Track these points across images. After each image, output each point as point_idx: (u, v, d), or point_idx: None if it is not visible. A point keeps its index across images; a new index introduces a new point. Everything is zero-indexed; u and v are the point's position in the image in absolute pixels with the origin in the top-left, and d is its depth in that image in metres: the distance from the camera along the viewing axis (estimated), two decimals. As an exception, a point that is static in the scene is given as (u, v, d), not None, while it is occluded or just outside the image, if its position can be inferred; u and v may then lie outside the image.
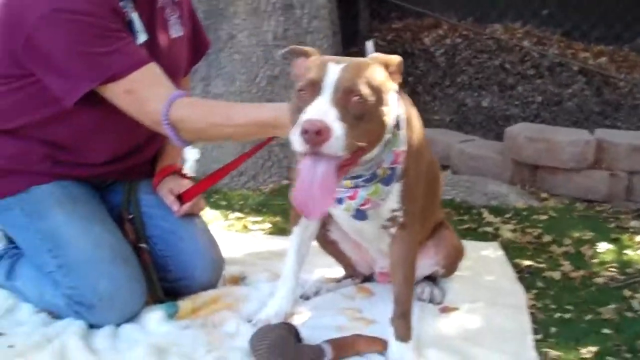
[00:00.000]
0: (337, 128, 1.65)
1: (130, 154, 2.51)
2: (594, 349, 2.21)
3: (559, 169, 4.19)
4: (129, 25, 2.27)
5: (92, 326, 2.25)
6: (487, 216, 3.61)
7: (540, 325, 2.38)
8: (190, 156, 4.19)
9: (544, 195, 4.15)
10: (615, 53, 5.52)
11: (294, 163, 4.24)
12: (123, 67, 2.15)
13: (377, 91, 1.77)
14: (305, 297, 2.51)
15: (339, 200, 2.01)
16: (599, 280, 2.79)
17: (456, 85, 5.82)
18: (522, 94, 5.56)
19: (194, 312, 2.36)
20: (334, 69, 1.74)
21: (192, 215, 2.56)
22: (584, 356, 2.17)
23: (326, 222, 2.42)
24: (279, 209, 3.76)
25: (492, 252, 3.09)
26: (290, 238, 2.33)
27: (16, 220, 2.38)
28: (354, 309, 2.41)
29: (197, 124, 2.17)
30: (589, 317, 2.45)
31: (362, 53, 6.03)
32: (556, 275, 2.83)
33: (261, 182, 4.19)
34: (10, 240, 2.57)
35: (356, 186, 1.97)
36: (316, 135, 1.62)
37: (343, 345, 2.06)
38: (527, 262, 2.98)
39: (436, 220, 2.47)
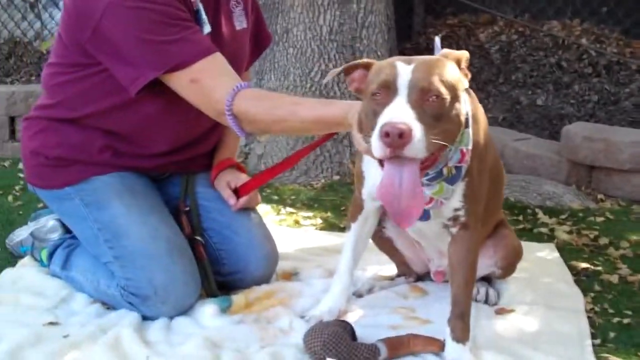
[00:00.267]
0: (418, 129, 1.62)
1: (190, 145, 2.52)
2: (655, 356, 2.15)
3: (615, 170, 4.09)
4: (195, 15, 2.27)
5: (145, 318, 2.27)
6: (542, 217, 3.54)
7: (598, 330, 2.32)
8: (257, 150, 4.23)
9: (600, 196, 4.06)
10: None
11: (345, 159, 4.24)
12: (189, 55, 2.15)
13: (453, 89, 1.74)
14: (358, 295, 2.49)
15: None
16: (659, 285, 2.72)
17: (510, 82, 5.72)
18: (578, 92, 5.45)
19: (247, 307, 2.36)
20: (407, 69, 1.71)
21: (248, 209, 2.57)
22: (645, 363, 2.12)
23: (382, 219, 2.40)
24: (330, 205, 3.74)
25: (548, 253, 3.03)
26: (348, 234, 2.32)
27: (75, 210, 2.40)
28: (408, 308, 2.39)
29: (261, 117, 2.14)
30: (648, 322, 2.40)
31: (416, 49, 5.99)
32: (614, 278, 2.76)
33: (313, 177, 4.19)
34: (67, 231, 2.62)
35: None
36: (399, 138, 1.59)
37: (398, 345, 2.04)
38: (584, 265, 2.91)
39: (497, 219, 2.43)
